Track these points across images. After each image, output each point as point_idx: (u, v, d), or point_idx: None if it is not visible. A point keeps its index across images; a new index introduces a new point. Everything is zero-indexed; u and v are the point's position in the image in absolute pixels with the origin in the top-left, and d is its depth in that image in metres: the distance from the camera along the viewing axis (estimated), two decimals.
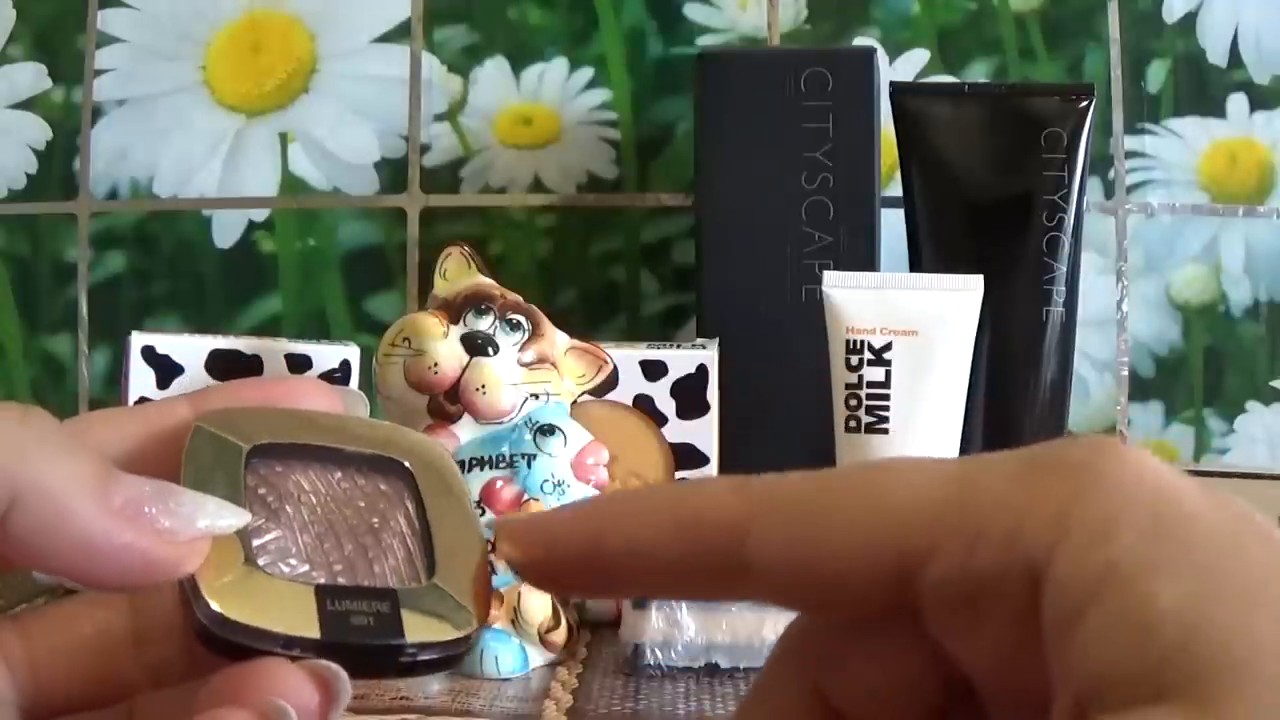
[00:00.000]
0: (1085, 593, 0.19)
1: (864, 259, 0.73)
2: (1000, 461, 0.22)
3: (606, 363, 0.59)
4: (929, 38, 0.89)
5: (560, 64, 0.91)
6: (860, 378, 0.64)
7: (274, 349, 0.66)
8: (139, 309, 0.91)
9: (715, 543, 0.22)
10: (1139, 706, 0.18)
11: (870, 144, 0.74)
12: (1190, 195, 0.88)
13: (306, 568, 0.25)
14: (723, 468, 0.65)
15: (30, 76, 0.92)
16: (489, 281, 0.58)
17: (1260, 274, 0.87)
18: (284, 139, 0.91)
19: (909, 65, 0.89)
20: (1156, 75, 0.88)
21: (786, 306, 0.74)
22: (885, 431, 0.63)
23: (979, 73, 0.88)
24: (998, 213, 0.73)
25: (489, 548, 0.26)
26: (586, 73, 0.90)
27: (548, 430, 0.56)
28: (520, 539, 0.24)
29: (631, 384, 0.64)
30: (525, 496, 0.55)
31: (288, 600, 0.24)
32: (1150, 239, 0.88)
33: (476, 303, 0.57)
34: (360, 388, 0.68)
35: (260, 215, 0.91)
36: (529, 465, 0.56)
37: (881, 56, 0.81)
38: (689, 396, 0.65)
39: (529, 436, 0.56)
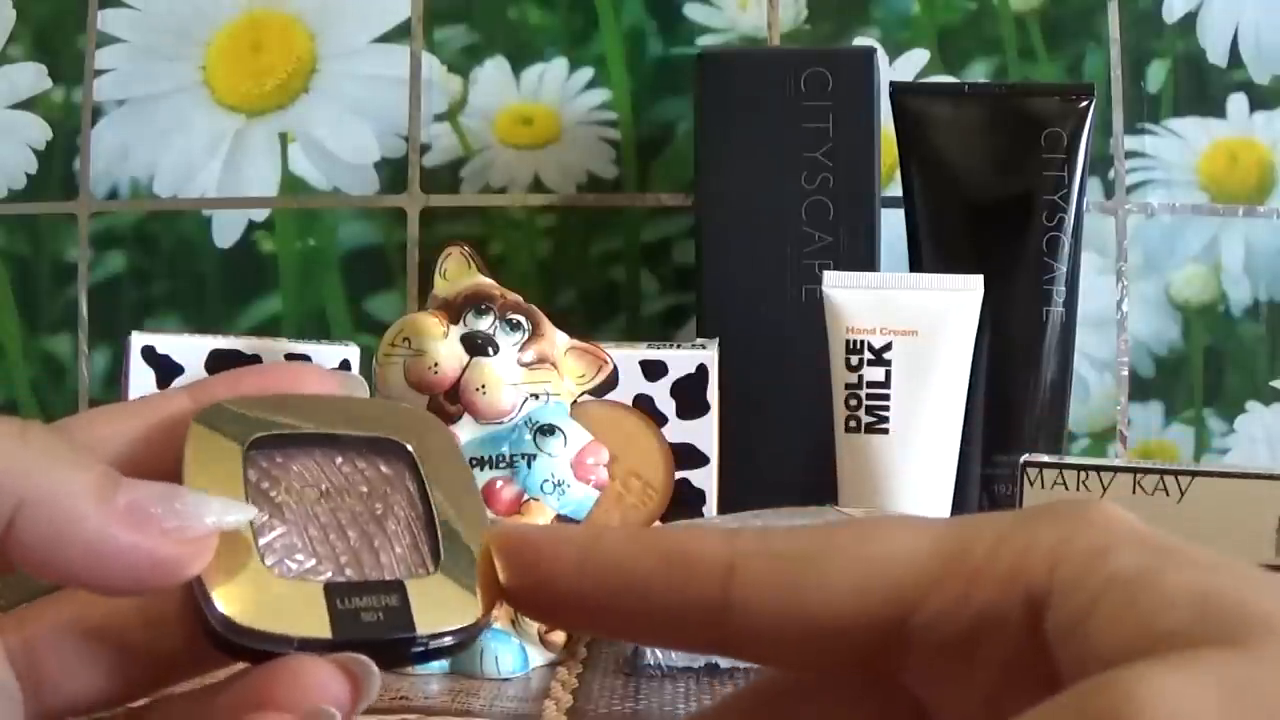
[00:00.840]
0: (1091, 597, 0.20)
1: (864, 259, 0.73)
2: (993, 518, 0.22)
3: (606, 363, 0.59)
4: (929, 38, 0.89)
5: (560, 64, 0.91)
6: (860, 378, 0.64)
7: (274, 349, 0.66)
8: (139, 309, 0.91)
9: (699, 577, 0.23)
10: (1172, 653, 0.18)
11: (870, 144, 0.74)
12: (1190, 195, 0.88)
13: (313, 562, 0.25)
14: (723, 468, 0.65)
15: (30, 76, 0.92)
16: (489, 281, 0.58)
17: (1260, 274, 0.87)
18: (284, 139, 0.91)
19: (909, 65, 0.89)
20: (1156, 75, 0.88)
21: (786, 306, 0.74)
22: (885, 431, 0.63)
23: (979, 73, 0.88)
24: (998, 213, 0.73)
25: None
26: (586, 73, 0.90)
27: (548, 430, 0.56)
28: (511, 565, 0.24)
29: (631, 384, 0.64)
30: (525, 496, 0.55)
31: (297, 601, 0.24)
32: (1150, 239, 0.88)
33: (476, 303, 0.57)
34: None
35: (260, 215, 0.91)
36: (529, 465, 0.56)
37: (881, 56, 0.81)
38: (689, 396, 0.65)
39: (529, 436, 0.56)
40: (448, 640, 0.25)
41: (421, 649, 0.25)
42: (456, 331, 0.56)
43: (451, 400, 0.56)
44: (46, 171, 0.92)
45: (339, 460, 0.27)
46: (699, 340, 0.67)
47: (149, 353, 0.65)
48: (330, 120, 0.90)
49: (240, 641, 0.24)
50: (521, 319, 0.57)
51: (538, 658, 0.55)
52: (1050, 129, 0.73)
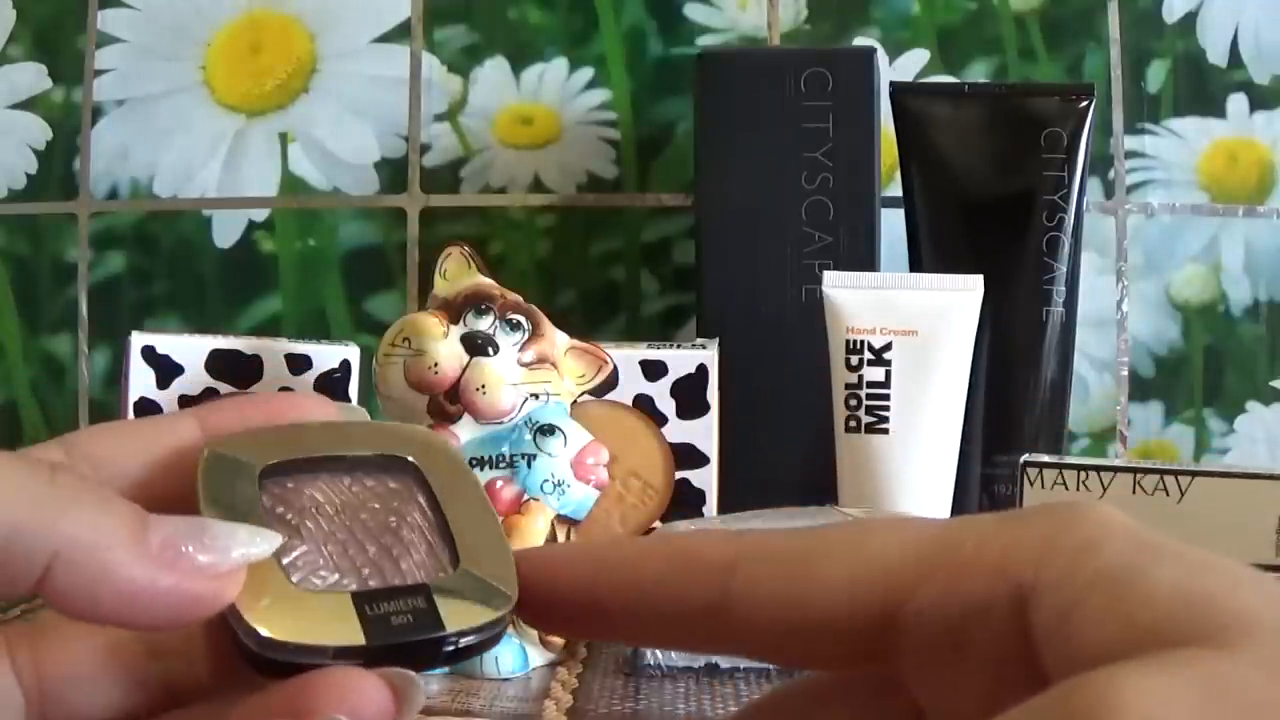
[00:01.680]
0: (1076, 594, 0.20)
1: (864, 259, 0.73)
2: (986, 516, 0.22)
3: (606, 363, 0.59)
4: (929, 38, 0.89)
5: (560, 64, 0.91)
6: (860, 378, 0.64)
7: (274, 349, 0.66)
8: (139, 309, 0.91)
9: (702, 576, 0.23)
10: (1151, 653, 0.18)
11: (870, 144, 0.74)
12: (1190, 195, 0.88)
13: (337, 576, 0.26)
14: (723, 468, 0.65)
15: (30, 76, 0.92)
16: (489, 281, 0.58)
17: (1260, 274, 0.87)
18: (284, 139, 0.91)
19: (909, 65, 0.89)
20: (1156, 75, 0.88)
21: (786, 306, 0.74)
22: (885, 431, 0.63)
23: (979, 73, 0.88)
24: (998, 213, 0.73)
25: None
26: (586, 73, 0.90)
27: (548, 430, 0.56)
28: (527, 581, 0.25)
29: (631, 384, 0.64)
30: (525, 496, 0.55)
31: (328, 611, 0.25)
32: (1150, 239, 0.88)
33: (476, 303, 0.57)
34: (360, 388, 0.68)
35: (260, 215, 0.91)
36: (529, 465, 0.56)
37: (881, 56, 0.81)
38: (689, 396, 0.65)
39: (529, 436, 0.56)
40: (477, 636, 0.25)
41: (453, 647, 0.25)
42: (456, 331, 0.56)
43: (451, 400, 0.56)
44: (46, 171, 0.92)
45: (348, 480, 0.27)
46: (699, 340, 0.67)
47: (149, 353, 0.65)
48: (330, 120, 0.90)
49: (278, 657, 0.24)
50: (521, 319, 0.57)
51: (538, 658, 0.55)
52: (1050, 129, 0.73)
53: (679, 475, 0.64)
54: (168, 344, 0.65)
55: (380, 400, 0.58)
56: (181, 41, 0.91)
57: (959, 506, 0.66)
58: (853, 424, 0.64)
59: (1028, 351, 0.73)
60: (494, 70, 0.91)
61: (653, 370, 0.65)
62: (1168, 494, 0.60)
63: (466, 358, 0.56)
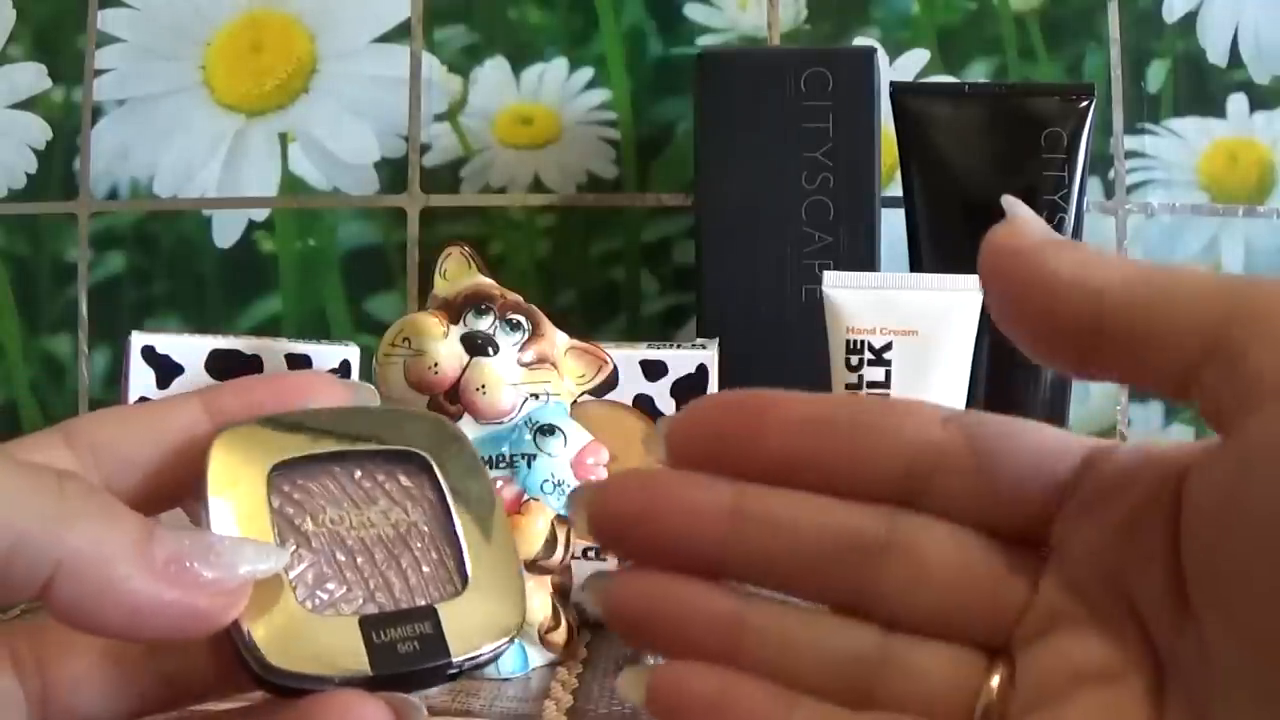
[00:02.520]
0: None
1: (864, 259, 0.73)
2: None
3: (606, 363, 0.59)
4: (929, 38, 0.89)
5: (560, 64, 0.91)
6: (860, 378, 0.64)
7: (274, 349, 0.66)
8: (139, 309, 0.91)
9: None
10: None
11: (870, 144, 0.74)
12: (1190, 195, 0.88)
13: (344, 590, 0.25)
14: None
15: (30, 76, 0.92)
16: (489, 281, 0.58)
17: (1260, 274, 0.87)
18: (284, 139, 0.91)
19: (909, 65, 0.89)
20: (1156, 75, 0.88)
21: (786, 306, 0.74)
22: None
23: (979, 73, 0.88)
24: (998, 213, 0.73)
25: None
26: (586, 73, 0.90)
27: (548, 430, 0.56)
28: (591, 504, 0.27)
29: (631, 384, 0.64)
30: (525, 496, 0.55)
31: (334, 638, 0.25)
32: (1150, 239, 0.88)
33: (476, 303, 0.57)
34: None
35: (260, 215, 0.91)
36: (529, 465, 0.56)
37: (881, 56, 0.81)
38: (689, 396, 0.65)
39: (529, 436, 0.56)
40: (481, 659, 0.26)
41: (457, 670, 0.25)
42: (456, 331, 0.56)
43: (451, 400, 0.56)
44: (46, 171, 0.92)
45: (359, 475, 0.27)
46: (699, 340, 0.67)
47: (149, 353, 0.65)
48: (330, 120, 0.90)
49: (283, 684, 0.24)
50: (521, 319, 0.57)
51: (538, 658, 0.55)
52: (1050, 129, 0.73)
53: None
54: (168, 344, 0.65)
55: (381, 400, 0.58)
56: (181, 41, 0.91)
57: None
58: None
59: None
60: (494, 70, 0.91)
61: (653, 370, 0.65)
62: None
63: (466, 358, 0.56)
